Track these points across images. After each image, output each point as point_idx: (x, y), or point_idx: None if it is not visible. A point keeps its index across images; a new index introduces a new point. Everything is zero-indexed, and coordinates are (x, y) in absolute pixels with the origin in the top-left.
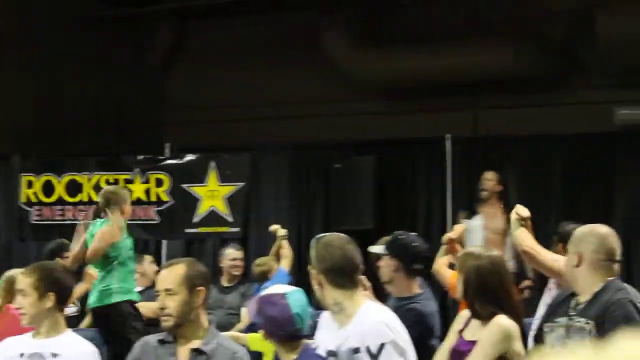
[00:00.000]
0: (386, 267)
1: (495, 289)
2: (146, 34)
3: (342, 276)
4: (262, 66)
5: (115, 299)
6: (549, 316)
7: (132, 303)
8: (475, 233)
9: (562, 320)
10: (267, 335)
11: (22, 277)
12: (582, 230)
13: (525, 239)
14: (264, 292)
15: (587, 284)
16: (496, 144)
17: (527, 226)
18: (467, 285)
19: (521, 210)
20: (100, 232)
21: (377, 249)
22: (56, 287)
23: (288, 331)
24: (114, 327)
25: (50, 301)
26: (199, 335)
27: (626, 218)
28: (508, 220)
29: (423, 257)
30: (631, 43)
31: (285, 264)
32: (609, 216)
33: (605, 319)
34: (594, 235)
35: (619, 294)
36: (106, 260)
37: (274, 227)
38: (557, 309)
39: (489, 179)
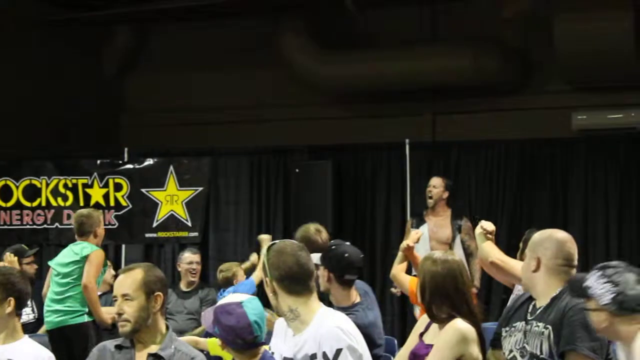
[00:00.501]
0: (321, 277)
1: (452, 293)
2: (104, 38)
3: (297, 283)
4: (221, 70)
5: (79, 320)
6: (507, 320)
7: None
8: (422, 242)
9: (520, 324)
10: (225, 344)
11: None
12: (541, 235)
13: (491, 250)
14: (219, 302)
15: (544, 289)
16: (455, 149)
17: (492, 240)
18: (423, 289)
19: (486, 225)
20: (90, 260)
21: (315, 258)
22: (16, 292)
23: (246, 340)
24: (74, 348)
25: (9, 306)
26: (156, 341)
27: (583, 223)
28: (461, 229)
29: (355, 267)
30: (589, 48)
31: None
32: (567, 221)
33: (563, 324)
34: (552, 240)
35: (576, 300)
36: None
37: (263, 237)
38: (514, 314)
39: (435, 186)
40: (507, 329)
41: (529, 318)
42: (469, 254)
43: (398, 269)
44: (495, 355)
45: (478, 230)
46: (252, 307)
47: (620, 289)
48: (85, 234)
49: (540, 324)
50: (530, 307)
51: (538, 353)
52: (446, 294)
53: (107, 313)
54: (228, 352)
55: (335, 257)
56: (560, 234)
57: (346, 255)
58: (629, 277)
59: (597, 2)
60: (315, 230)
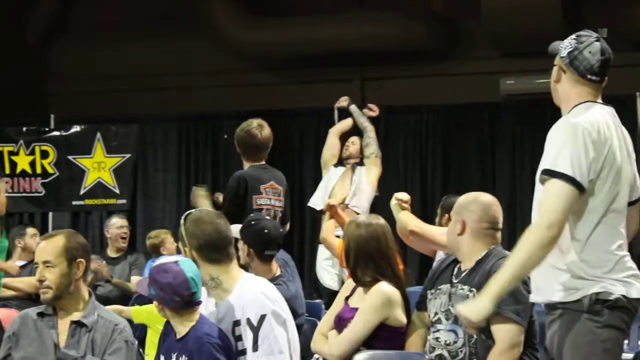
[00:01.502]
0: (241, 251)
1: (375, 257)
2: (27, 6)
3: (216, 251)
4: (148, 37)
5: None
6: (432, 283)
7: None
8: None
9: (445, 287)
10: (163, 304)
11: None
12: (466, 199)
13: (409, 219)
14: (155, 263)
15: (469, 252)
16: (384, 114)
17: (408, 209)
18: (347, 253)
19: (400, 195)
20: None
21: (234, 229)
22: None
23: (184, 296)
24: None
25: None
26: (79, 308)
27: (511, 187)
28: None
29: (275, 243)
30: (515, 14)
31: None
32: (494, 185)
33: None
34: (477, 203)
35: (501, 262)
36: None
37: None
38: (439, 276)
39: (354, 143)
40: (433, 291)
41: (454, 281)
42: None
43: (327, 231)
44: (420, 317)
45: (393, 201)
46: (188, 265)
47: (579, 47)
48: None
49: (465, 287)
50: (456, 269)
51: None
52: (370, 258)
53: (32, 283)
54: (165, 315)
55: (255, 233)
56: (486, 197)
57: (266, 231)
58: (594, 43)
59: None
60: (258, 124)
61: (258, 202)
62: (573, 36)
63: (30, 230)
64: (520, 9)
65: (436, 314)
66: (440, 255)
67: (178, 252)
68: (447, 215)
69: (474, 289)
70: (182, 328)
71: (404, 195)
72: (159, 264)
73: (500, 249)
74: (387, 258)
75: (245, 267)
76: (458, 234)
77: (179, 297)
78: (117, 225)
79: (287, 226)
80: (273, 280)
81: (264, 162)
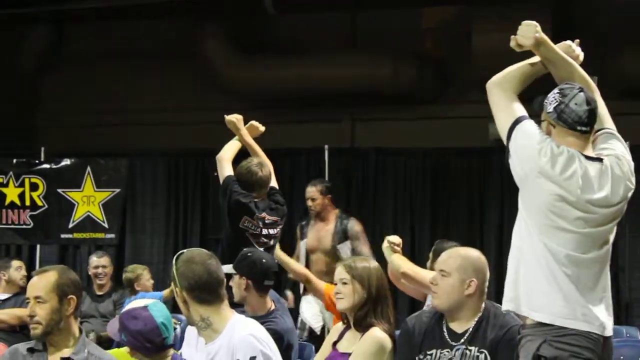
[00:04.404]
0: (237, 286)
1: (376, 300)
2: (20, 37)
3: (207, 292)
4: (140, 72)
5: None
6: (417, 347)
7: None
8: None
9: (439, 352)
10: (134, 350)
11: None
12: (477, 259)
13: (402, 262)
14: (124, 309)
15: (472, 312)
16: (373, 156)
17: (399, 252)
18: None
19: (392, 238)
20: None
21: (226, 268)
22: None
23: (155, 342)
24: None
25: None
26: (69, 344)
27: (499, 232)
28: (347, 234)
29: (272, 272)
30: (506, 59)
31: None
32: (482, 230)
33: (501, 344)
34: (482, 262)
35: (509, 318)
36: None
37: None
38: (424, 340)
39: (314, 198)
40: (421, 357)
41: (453, 343)
42: None
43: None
44: None
45: (385, 244)
46: (158, 309)
47: (564, 100)
48: None
49: (473, 348)
50: (446, 331)
51: None
52: (373, 301)
53: (15, 314)
54: (138, 358)
55: (252, 264)
56: (483, 257)
57: (263, 260)
58: (579, 95)
59: (515, 15)
60: (258, 162)
61: (245, 223)
62: (556, 90)
63: (15, 263)
64: (512, 53)
65: None
66: (430, 299)
67: (154, 288)
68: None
69: (484, 350)
70: None
71: (396, 239)
72: (128, 309)
73: (491, 302)
74: (385, 301)
75: (239, 305)
76: (469, 294)
77: (150, 344)
78: (93, 265)
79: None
80: (269, 314)
81: (262, 199)
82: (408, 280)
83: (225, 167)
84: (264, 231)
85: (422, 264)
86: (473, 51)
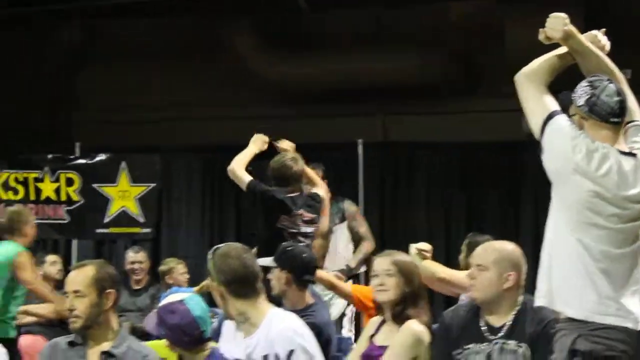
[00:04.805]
0: (276, 280)
1: (416, 294)
2: (53, 33)
3: (244, 286)
4: (174, 68)
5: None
6: (454, 343)
7: None
8: None
9: (477, 347)
10: (173, 344)
11: None
12: (514, 252)
13: (436, 267)
14: (161, 304)
15: (510, 305)
16: (406, 150)
17: (429, 258)
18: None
19: (421, 246)
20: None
21: (265, 261)
22: None
23: (193, 335)
24: None
25: None
26: (108, 338)
27: (534, 225)
28: (344, 215)
29: (313, 267)
30: (538, 52)
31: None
32: (518, 223)
33: (540, 338)
34: (520, 254)
35: (547, 312)
36: (13, 286)
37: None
38: (461, 335)
39: None
40: (460, 351)
41: (490, 338)
42: (358, 238)
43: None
44: None
45: (413, 251)
46: (195, 302)
47: (595, 92)
48: (14, 232)
49: (511, 342)
50: (484, 326)
51: None
52: (413, 295)
53: (53, 309)
54: (177, 352)
55: (293, 257)
56: (519, 250)
57: (304, 255)
58: (610, 86)
59: (547, 6)
60: (292, 157)
61: (283, 222)
62: (584, 83)
63: (50, 258)
64: (543, 47)
65: None
66: (464, 296)
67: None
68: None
69: (523, 344)
70: None
71: (426, 245)
72: (165, 304)
73: (528, 296)
74: (423, 295)
75: (278, 300)
76: (507, 288)
77: (188, 337)
78: (129, 260)
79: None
80: (308, 308)
81: (298, 194)
82: (445, 284)
83: (242, 176)
84: (302, 229)
85: (457, 259)
86: (505, 44)
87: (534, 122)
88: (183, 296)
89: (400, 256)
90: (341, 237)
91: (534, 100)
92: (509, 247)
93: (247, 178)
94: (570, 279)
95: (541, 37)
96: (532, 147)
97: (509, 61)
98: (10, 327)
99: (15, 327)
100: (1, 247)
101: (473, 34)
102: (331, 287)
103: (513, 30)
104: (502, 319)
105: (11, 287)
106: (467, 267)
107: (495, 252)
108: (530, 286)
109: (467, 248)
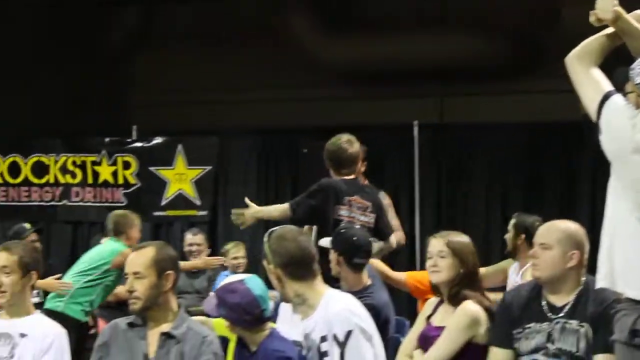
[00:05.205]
0: (333, 261)
1: (472, 273)
2: (111, 17)
3: (300, 268)
4: (230, 50)
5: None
6: (515, 321)
7: None
8: None
9: (538, 326)
10: (233, 324)
11: (5, 255)
12: (578, 230)
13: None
14: (221, 285)
15: (574, 285)
16: (463, 132)
17: None
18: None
19: None
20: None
21: (325, 242)
22: (37, 266)
23: (254, 314)
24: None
25: (30, 280)
26: (168, 319)
27: (591, 207)
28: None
29: (364, 251)
30: (597, 32)
31: None
32: (575, 207)
33: (601, 318)
34: (583, 235)
35: (609, 292)
36: (101, 277)
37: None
38: (522, 314)
39: None
40: (520, 330)
41: (552, 317)
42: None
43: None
44: (503, 357)
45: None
46: (255, 282)
47: None
48: (119, 234)
49: (573, 322)
50: (545, 305)
51: (574, 351)
52: (470, 275)
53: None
54: (237, 332)
55: (344, 240)
56: (582, 229)
57: (355, 238)
58: None
59: None
60: (347, 139)
61: (339, 212)
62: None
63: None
64: (602, 27)
65: (531, 353)
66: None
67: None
68: (523, 235)
69: (585, 323)
70: (253, 343)
71: None
72: (225, 284)
73: (591, 277)
74: (478, 276)
75: (336, 281)
76: (572, 266)
77: (249, 316)
78: (187, 242)
79: (392, 240)
80: (365, 289)
81: (353, 177)
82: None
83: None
84: (360, 218)
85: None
86: (564, 23)
87: (589, 103)
88: (242, 276)
89: (455, 237)
90: None
91: (587, 81)
92: (572, 226)
93: (289, 212)
94: (631, 260)
95: (592, 19)
96: (587, 126)
97: (567, 41)
98: (83, 310)
99: (87, 313)
100: (107, 245)
101: (533, 13)
102: (385, 277)
103: (571, 10)
104: (565, 299)
105: (99, 277)
106: (514, 247)
107: (558, 231)
108: (588, 265)
109: (514, 228)
